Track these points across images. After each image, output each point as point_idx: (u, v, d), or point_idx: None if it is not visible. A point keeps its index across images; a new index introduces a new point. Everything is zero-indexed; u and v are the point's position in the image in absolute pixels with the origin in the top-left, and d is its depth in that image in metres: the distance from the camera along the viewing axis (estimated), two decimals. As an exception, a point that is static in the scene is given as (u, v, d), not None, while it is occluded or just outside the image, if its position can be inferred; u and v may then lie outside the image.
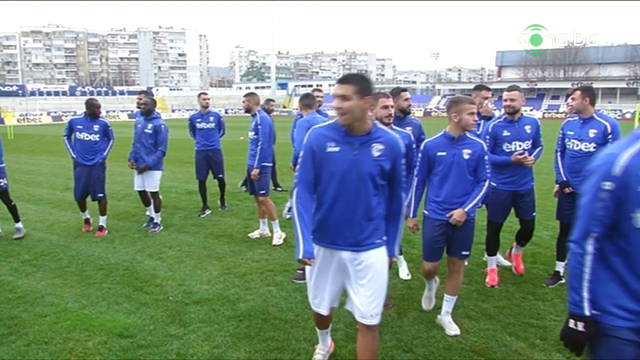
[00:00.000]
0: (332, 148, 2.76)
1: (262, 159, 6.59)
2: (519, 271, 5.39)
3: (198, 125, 8.33)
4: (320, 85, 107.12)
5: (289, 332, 4.04)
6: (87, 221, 7.45)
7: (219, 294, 4.86)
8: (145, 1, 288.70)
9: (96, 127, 7.07)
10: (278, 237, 6.61)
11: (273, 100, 10.83)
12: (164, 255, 6.11)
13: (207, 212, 8.36)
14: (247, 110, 6.85)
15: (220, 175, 8.53)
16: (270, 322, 4.22)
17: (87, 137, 7.03)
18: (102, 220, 7.28)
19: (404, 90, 5.25)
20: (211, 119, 8.37)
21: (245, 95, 6.94)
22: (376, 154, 2.76)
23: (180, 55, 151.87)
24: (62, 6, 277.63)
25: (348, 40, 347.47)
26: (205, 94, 8.60)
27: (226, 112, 79.02)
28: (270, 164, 6.86)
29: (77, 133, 7.05)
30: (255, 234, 6.94)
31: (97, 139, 7.08)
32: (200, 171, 8.42)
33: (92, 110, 7.12)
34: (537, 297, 4.73)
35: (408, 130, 4.69)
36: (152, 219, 7.52)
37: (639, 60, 75.60)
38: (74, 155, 7.13)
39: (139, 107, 7.64)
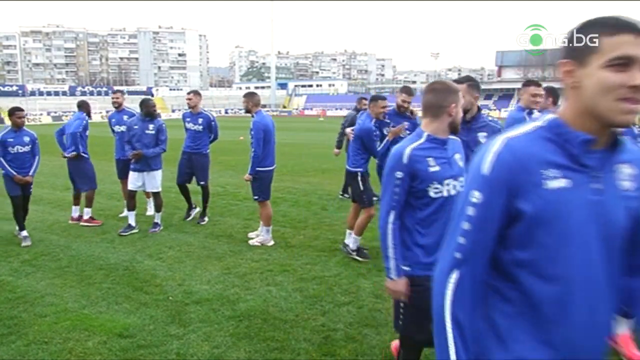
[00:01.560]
0: (557, 182, 1.29)
1: (255, 164, 6.29)
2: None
3: (187, 125, 7.80)
4: (320, 86, 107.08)
5: (288, 332, 4.03)
6: (79, 218, 7.83)
7: (218, 294, 4.85)
8: (145, 1, 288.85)
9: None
10: (261, 240, 6.55)
11: (365, 99, 8.55)
12: (163, 255, 6.10)
13: (194, 211, 8.00)
14: (248, 111, 6.52)
15: (203, 183, 7.77)
16: (270, 322, 4.21)
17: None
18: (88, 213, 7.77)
19: (537, 84, 4.65)
20: (200, 120, 7.66)
21: (245, 96, 6.59)
22: (626, 184, 1.35)
23: (180, 55, 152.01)
24: (62, 6, 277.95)
25: (348, 40, 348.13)
26: (189, 93, 7.85)
27: (226, 112, 79.19)
28: (268, 168, 6.45)
29: (86, 131, 7.74)
30: (255, 241, 6.64)
31: None
32: (180, 174, 7.84)
33: (89, 110, 7.92)
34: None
35: None
36: (129, 225, 7.17)
37: (639, 60, 75.47)
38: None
39: (115, 106, 8.10)
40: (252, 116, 6.40)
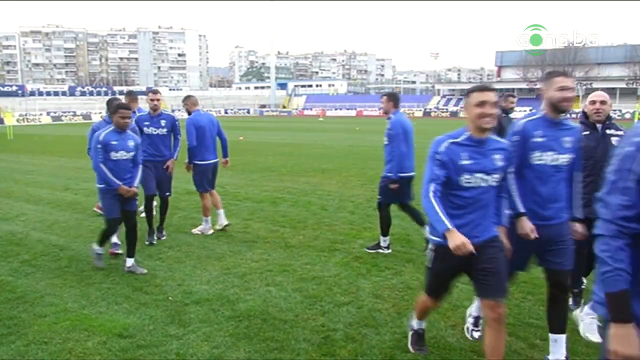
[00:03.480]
0: None
1: (192, 156, 6.95)
2: None
3: (146, 130, 6.78)
4: (320, 86, 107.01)
5: (288, 332, 4.04)
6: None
7: (218, 294, 4.86)
8: (144, 1, 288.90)
9: None
10: (200, 229, 7.17)
11: (513, 97, 7.22)
12: (163, 256, 6.10)
13: (161, 236, 6.80)
14: (188, 113, 7.17)
15: (168, 194, 7.03)
16: (269, 322, 4.21)
17: None
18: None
19: None
20: (163, 123, 6.84)
21: (183, 100, 7.35)
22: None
23: (179, 55, 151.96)
24: (62, 6, 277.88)
25: (348, 40, 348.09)
26: (155, 93, 6.97)
27: (226, 112, 79.11)
28: (204, 162, 7.00)
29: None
30: (196, 230, 7.25)
31: None
32: (149, 186, 6.72)
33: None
34: (537, 297, 4.73)
35: None
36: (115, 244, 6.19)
37: (638, 61, 75.57)
38: None
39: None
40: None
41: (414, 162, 6.02)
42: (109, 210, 5.41)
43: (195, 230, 7.18)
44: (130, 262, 5.50)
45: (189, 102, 7.22)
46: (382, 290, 4.91)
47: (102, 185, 5.35)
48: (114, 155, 5.30)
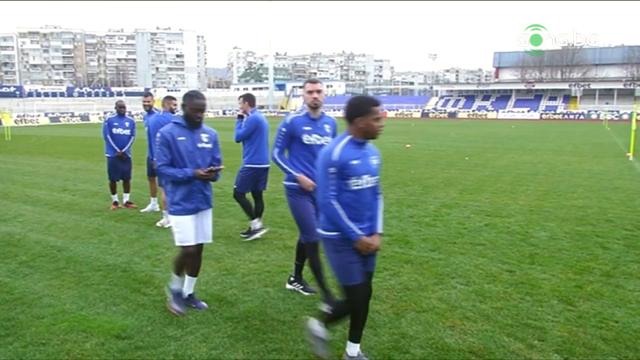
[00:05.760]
0: None
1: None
2: None
3: (307, 140, 5.00)
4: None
5: (286, 333, 4.03)
6: (127, 203, 9.06)
7: (216, 295, 4.85)
8: (142, 2, 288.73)
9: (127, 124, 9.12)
10: (160, 223, 7.62)
11: None
12: (161, 257, 6.09)
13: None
14: (171, 111, 7.78)
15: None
16: (268, 324, 4.21)
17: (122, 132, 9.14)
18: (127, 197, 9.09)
19: None
20: (326, 128, 5.18)
21: (165, 99, 7.94)
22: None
23: (178, 56, 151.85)
24: (60, 7, 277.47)
25: (346, 41, 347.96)
26: (314, 82, 5.10)
27: (224, 113, 79.09)
28: None
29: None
30: (147, 209, 8.25)
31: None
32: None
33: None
34: (535, 298, 4.74)
35: None
36: (178, 295, 4.59)
37: (636, 62, 75.86)
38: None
39: (146, 109, 8.55)
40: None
41: (267, 155, 6.74)
42: (349, 272, 3.30)
43: (160, 223, 7.63)
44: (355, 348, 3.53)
45: (175, 102, 7.80)
46: (380, 291, 4.91)
47: (335, 234, 3.27)
48: (356, 184, 3.24)
